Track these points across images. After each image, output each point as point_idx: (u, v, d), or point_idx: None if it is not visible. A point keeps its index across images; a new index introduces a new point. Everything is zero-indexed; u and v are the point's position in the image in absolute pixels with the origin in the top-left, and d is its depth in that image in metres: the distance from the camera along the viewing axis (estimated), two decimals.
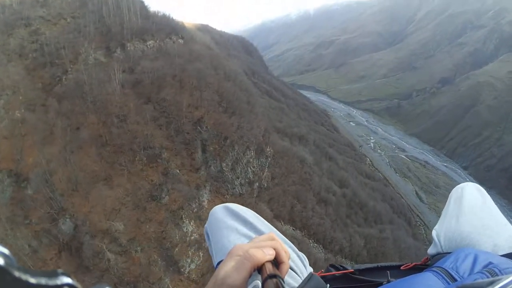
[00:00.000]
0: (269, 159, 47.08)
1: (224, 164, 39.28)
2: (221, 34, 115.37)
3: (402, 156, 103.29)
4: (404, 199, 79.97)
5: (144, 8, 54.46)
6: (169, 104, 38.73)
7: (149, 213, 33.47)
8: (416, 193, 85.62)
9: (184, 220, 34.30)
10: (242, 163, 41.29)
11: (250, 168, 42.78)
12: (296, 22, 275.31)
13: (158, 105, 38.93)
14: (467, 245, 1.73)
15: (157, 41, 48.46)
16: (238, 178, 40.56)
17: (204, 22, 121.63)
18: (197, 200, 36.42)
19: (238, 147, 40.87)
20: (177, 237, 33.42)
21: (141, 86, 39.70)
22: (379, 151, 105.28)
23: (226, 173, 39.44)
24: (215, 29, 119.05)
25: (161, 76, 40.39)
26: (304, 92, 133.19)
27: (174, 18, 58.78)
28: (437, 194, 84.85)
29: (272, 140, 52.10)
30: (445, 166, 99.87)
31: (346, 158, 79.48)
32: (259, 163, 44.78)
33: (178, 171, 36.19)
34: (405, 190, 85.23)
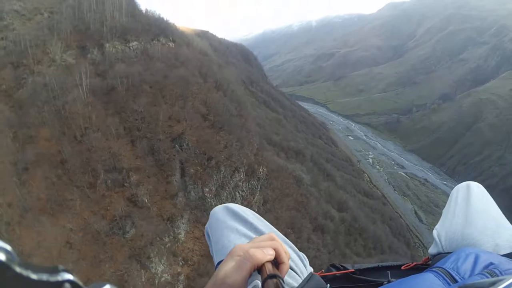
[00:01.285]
0: (262, 180, 39.72)
1: (207, 189, 31.90)
2: (220, 41, 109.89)
3: (401, 173, 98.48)
4: (403, 219, 75.54)
5: (132, 4, 47.07)
6: (143, 117, 31.38)
7: (110, 250, 26.28)
8: (415, 212, 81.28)
9: (153, 259, 26.93)
10: (229, 187, 33.95)
11: (239, 193, 35.47)
12: (298, 33, 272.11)
13: (131, 117, 31.51)
14: (468, 244, 1.68)
15: (142, 43, 41.21)
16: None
17: (205, 29, 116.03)
18: (171, 233, 29.12)
19: (224, 169, 33.49)
20: (143, 279, 26.09)
21: (113, 94, 32.40)
22: (377, 167, 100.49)
23: (209, 200, 32.07)
24: (215, 35, 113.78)
25: (137, 83, 33.05)
26: (303, 104, 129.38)
27: (166, 19, 51.23)
28: (437, 214, 78.81)
29: (266, 157, 45.06)
30: (445, 184, 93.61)
31: (344, 174, 74.43)
32: (250, 186, 37.39)
33: (148, 198, 28.78)
34: (404, 209, 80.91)
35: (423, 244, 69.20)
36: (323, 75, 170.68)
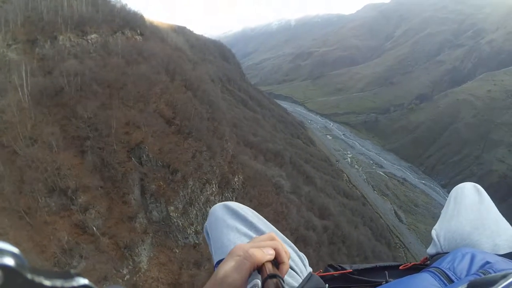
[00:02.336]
0: (237, 191, 34.38)
1: (172, 208, 26.22)
2: (198, 38, 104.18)
3: (380, 172, 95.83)
4: (383, 219, 73.14)
5: None
6: (95, 123, 25.37)
7: None
8: (395, 212, 78.55)
9: None
10: (198, 203, 28.39)
11: (211, 208, 29.87)
12: (277, 32, 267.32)
13: (81, 124, 25.51)
14: (467, 245, 1.67)
15: (103, 35, 35.10)
16: (192, 224, 27.60)
17: (183, 25, 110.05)
18: (130, 262, 23.53)
19: (193, 182, 27.89)
20: None
21: (60, 96, 26.31)
22: (356, 166, 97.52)
23: (175, 220, 26.51)
24: (192, 32, 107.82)
25: (89, 82, 27.03)
26: (281, 102, 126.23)
27: (133, 10, 44.75)
28: (416, 214, 78.93)
29: (242, 162, 39.83)
30: (424, 183, 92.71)
31: (323, 175, 71.24)
32: (223, 199, 31.86)
33: (100, 222, 22.98)
34: (383, 209, 78.36)
35: (403, 245, 68.10)
36: (301, 74, 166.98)
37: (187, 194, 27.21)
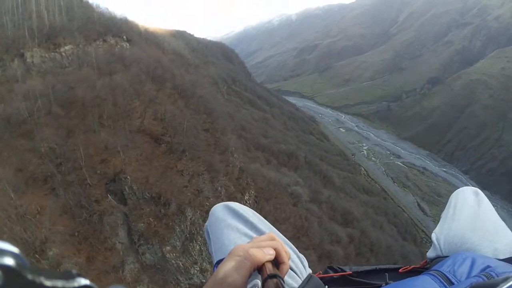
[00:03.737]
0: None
1: (168, 248, 20.31)
2: (199, 41, 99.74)
3: (398, 163, 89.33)
4: (407, 213, 68.49)
5: None
6: (63, 153, 19.69)
7: None
8: (418, 204, 73.50)
9: None
10: (202, 236, 22.49)
11: None
12: (278, 28, 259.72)
13: (49, 155, 19.84)
14: (467, 249, 1.64)
15: (80, 45, 29.48)
16: (195, 263, 21.73)
17: (183, 29, 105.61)
18: None
19: (193, 213, 21.86)
20: None
21: (20, 125, 20.63)
22: (373, 158, 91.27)
23: (173, 261, 20.71)
24: (192, 35, 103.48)
25: (56, 103, 21.35)
26: (290, 99, 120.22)
27: (118, 15, 39.09)
28: (440, 204, 71.72)
29: (253, 173, 34.06)
30: (445, 171, 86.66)
31: (340, 172, 66.39)
32: None
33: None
34: (406, 202, 73.34)
35: (430, 239, 62.00)
36: (307, 68, 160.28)
37: (186, 228, 21.34)
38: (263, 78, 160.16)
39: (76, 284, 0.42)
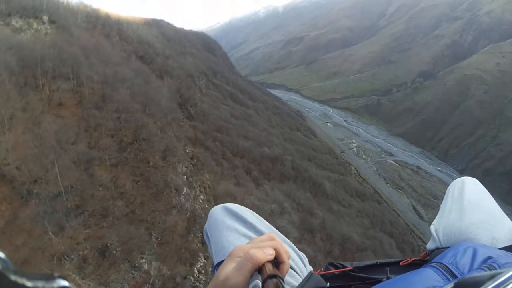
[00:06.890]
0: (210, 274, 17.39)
1: None
2: (177, 30, 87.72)
3: (391, 161, 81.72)
4: (402, 218, 61.61)
5: None
6: None
7: None
8: (414, 208, 66.66)
9: None
10: None
11: None
12: (265, 20, 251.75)
13: None
14: (465, 239, 1.59)
15: None
16: None
17: (160, 18, 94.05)
18: None
19: None
20: None
21: None
22: (364, 156, 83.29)
23: None
24: (171, 24, 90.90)
25: None
26: (275, 92, 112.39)
27: None
28: (436, 207, 61.85)
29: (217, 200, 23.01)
30: (439, 170, 79.75)
31: (331, 173, 58.83)
32: None
33: None
34: (401, 206, 66.40)
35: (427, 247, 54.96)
36: (294, 60, 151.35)
37: None
38: (249, 70, 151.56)
39: (55, 285, 0.43)
